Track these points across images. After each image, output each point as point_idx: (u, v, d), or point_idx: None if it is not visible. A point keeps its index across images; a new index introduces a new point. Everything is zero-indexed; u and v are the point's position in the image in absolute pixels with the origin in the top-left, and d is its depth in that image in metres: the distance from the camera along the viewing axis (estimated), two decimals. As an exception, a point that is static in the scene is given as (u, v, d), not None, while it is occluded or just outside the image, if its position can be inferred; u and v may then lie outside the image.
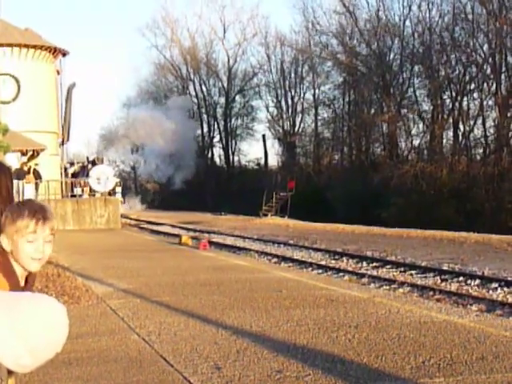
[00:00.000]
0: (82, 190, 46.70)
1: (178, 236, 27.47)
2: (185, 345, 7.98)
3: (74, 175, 52.94)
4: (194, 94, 78.49)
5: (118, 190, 51.71)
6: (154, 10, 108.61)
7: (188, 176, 73.22)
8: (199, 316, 9.79)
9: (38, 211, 2.71)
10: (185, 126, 72.26)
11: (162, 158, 73.74)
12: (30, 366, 2.10)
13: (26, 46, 39.65)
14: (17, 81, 39.15)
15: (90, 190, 47.89)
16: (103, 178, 48.15)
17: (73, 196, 42.88)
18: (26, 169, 37.63)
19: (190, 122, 75.46)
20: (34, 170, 37.82)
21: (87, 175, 49.33)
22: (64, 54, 42.38)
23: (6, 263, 2.52)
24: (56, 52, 41.44)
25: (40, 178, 37.77)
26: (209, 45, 76.77)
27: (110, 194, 50.29)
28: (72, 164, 58.55)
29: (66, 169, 54.63)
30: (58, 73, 42.56)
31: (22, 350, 2.05)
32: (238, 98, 76.05)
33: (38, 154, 38.99)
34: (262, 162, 73.64)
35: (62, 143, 43.56)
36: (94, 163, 51.35)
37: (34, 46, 39.98)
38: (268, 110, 72.06)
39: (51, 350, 2.13)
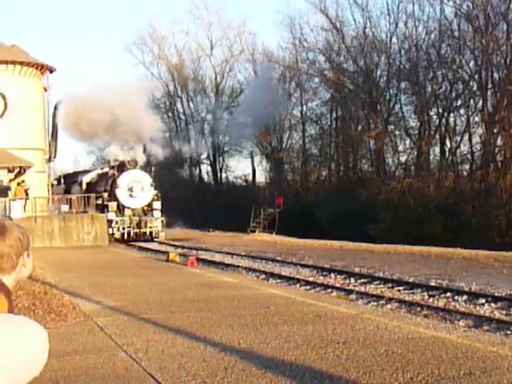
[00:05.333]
0: (105, 206, 38.10)
1: (166, 253, 27.37)
2: (172, 362, 7.95)
3: (91, 186, 43.40)
4: (181, 110, 78.62)
5: (157, 205, 40.31)
6: (142, 27, 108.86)
7: None
8: (187, 333, 9.76)
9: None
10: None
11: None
12: None
13: (13, 62, 39.60)
14: (3, 97, 39.07)
15: (119, 206, 38.71)
16: (137, 188, 38.25)
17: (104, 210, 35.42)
18: (13, 186, 37.52)
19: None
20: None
21: (112, 185, 39.74)
22: (51, 71, 42.33)
23: (3, 284, 2.51)
24: (43, 69, 41.39)
25: (27, 194, 37.62)
26: (196, 61, 77.05)
27: (145, 212, 39.76)
28: (86, 172, 48.97)
29: (76, 177, 45.98)
30: (46, 89, 42.48)
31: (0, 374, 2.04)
32: (225, 114, 76.20)
33: (24, 171, 38.83)
34: (250, 178, 73.79)
35: (49, 160, 43.10)
36: (121, 168, 40.15)
37: (21, 63, 39.92)
38: (255, 127, 72.12)
39: (28, 375, 2.11)
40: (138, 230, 39.44)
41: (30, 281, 14.96)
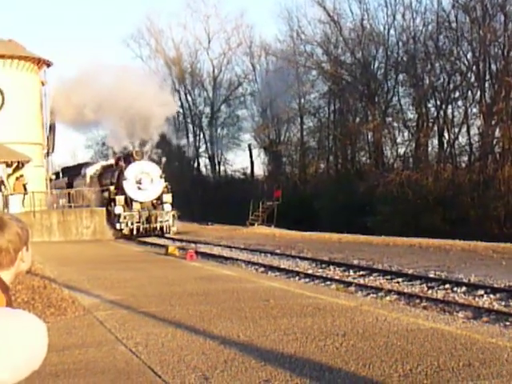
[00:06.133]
0: (112, 200, 36.13)
1: (165, 246, 27.36)
2: (172, 355, 7.96)
3: (95, 179, 41.42)
4: (179, 103, 78.47)
5: (167, 198, 37.58)
6: (139, 21, 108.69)
7: None
8: (186, 326, 9.77)
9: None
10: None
11: None
12: (6, 383, 2.09)
13: (10, 57, 39.54)
14: (1, 92, 39.04)
15: (126, 200, 36.29)
16: (146, 180, 35.94)
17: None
18: (11, 180, 37.51)
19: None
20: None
21: (119, 177, 37.09)
22: (48, 65, 42.29)
23: (0, 279, 2.50)
24: (40, 63, 41.34)
25: (25, 189, 37.61)
26: (193, 55, 76.94)
27: (154, 205, 37.40)
28: (89, 164, 46.35)
29: (79, 169, 44.14)
30: (43, 84, 42.44)
31: (1, 367, 2.04)
32: (223, 107, 76.19)
33: (23, 166, 38.81)
34: (248, 171, 73.77)
35: (47, 154, 43.06)
36: (128, 158, 37.31)
37: (18, 57, 39.87)
38: (253, 120, 72.16)
39: (28, 369, 2.12)
40: (147, 225, 37.00)
41: (29, 275, 14.97)
